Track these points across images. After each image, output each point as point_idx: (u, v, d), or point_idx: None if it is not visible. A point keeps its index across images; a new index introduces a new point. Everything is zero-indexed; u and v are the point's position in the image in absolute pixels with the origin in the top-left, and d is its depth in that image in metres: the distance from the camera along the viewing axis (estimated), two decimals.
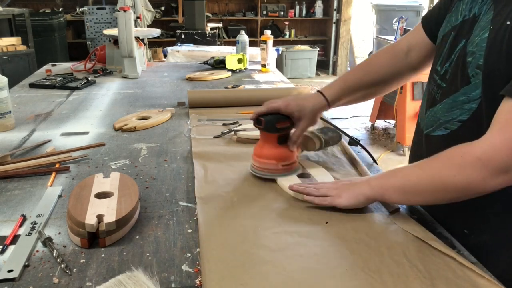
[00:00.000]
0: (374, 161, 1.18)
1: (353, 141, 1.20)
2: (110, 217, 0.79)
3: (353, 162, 1.17)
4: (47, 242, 0.77)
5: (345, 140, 1.27)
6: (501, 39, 0.75)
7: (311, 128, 1.09)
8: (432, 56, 0.99)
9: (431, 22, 1.00)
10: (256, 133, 1.29)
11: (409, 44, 1.06)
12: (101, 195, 0.89)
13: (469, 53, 0.82)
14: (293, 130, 1.05)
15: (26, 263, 0.73)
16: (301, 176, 1.04)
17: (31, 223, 0.84)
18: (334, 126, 1.23)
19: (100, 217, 0.79)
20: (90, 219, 0.78)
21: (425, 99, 0.98)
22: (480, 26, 0.81)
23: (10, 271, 0.70)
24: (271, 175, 1.04)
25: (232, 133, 1.31)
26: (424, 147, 0.95)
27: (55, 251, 0.75)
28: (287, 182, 0.99)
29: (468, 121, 0.83)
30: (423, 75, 1.06)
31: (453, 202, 0.79)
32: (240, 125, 1.42)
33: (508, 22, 0.74)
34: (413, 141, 1.04)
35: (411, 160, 1.03)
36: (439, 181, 0.77)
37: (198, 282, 0.69)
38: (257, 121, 1.03)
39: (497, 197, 0.79)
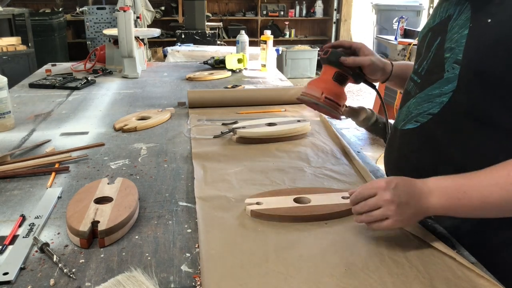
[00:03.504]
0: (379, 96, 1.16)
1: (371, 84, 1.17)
2: (103, 225, 0.79)
3: (352, 162, 1.17)
4: (44, 248, 0.77)
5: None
6: (480, 36, 0.78)
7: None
8: None
9: None
10: (256, 130, 1.29)
11: None
12: (100, 201, 0.89)
13: (447, 49, 0.85)
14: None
15: (22, 266, 0.72)
16: (297, 201, 0.92)
17: (29, 225, 0.84)
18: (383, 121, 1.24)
19: (95, 224, 0.80)
20: (85, 226, 0.79)
21: (402, 98, 1.01)
22: (459, 24, 0.84)
23: (5, 273, 0.70)
24: (312, 100, 1.04)
25: (232, 133, 1.31)
26: (397, 141, 0.97)
27: (54, 256, 0.74)
28: (281, 203, 0.91)
29: (438, 114, 0.85)
30: None
31: None
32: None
33: (489, 20, 0.77)
34: (388, 138, 1.06)
35: (385, 156, 1.04)
36: (506, 200, 0.70)
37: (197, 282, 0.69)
38: (325, 51, 1.04)
39: None
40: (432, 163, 0.88)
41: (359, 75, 1.07)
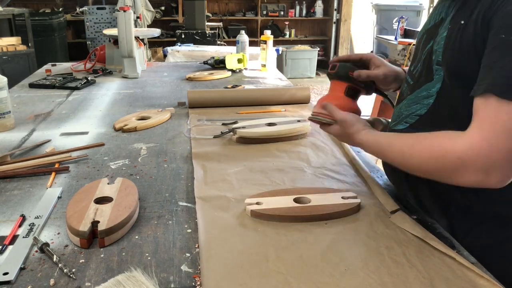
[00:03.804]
0: (392, 105, 1.16)
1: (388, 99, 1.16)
2: (103, 225, 0.79)
3: (352, 162, 1.17)
4: (44, 248, 0.77)
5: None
6: (455, 37, 0.80)
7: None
8: None
9: None
10: (256, 130, 1.29)
11: None
12: (100, 201, 0.89)
13: (434, 52, 0.86)
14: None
15: (22, 266, 0.72)
16: (297, 200, 0.92)
17: (29, 225, 0.83)
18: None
19: (94, 224, 0.80)
20: (84, 226, 0.79)
21: (398, 98, 1.02)
22: (444, 26, 0.85)
23: (5, 273, 0.70)
24: (326, 121, 0.98)
25: (232, 133, 1.31)
26: None
27: (54, 256, 0.74)
28: (281, 203, 0.90)
29: (425, 115, 0.88)
30: None
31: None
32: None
33: (462, 22, 0.79)
34: None
35: None
36: (420, 170, 0.80)
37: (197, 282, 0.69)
38: (333, 66, 0.99)
39: (495, 198, 0.80)
40: None
41: (371, 86, 1.03)
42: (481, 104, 0.72)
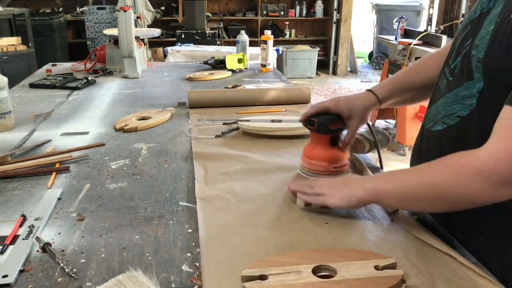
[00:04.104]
0: (381, 166, 1.17)
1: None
2: None
3: (353, 162, 1.17)
4: (46, 247, 0.77)
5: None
6: (503, 32, 0.73)
7: (360, 129, 1.07)
8: None
9: None
10: (260, 125, 1.29)
11: None
12: None
13: (474, 46, 0.79)
14: (344, 132, 1.02)
15: (22, 268, 0.72)
16: (317, 271, 0.72)
17: (29, 227, 0.83)
18: (376, 129, 1.21)
19: None
20: None
21: (432, 94, 0.95)
22: (489, 19, 0.78)
23: (5, 276, 0.69)
24: (321, 176, 0.99)
25: (233, 132, 1.31)
26: (424, 142, 0.93)
27: (56, 255, 0.74)
28: (295, 278, 0.68)
29: (467, 117, 0.80)
30: None
31: (454, 211, 0.77)
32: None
33: None
34: (416, 137, 1.03)
35: (412, 156, 1.01)
36: (439, 190, 0.74)
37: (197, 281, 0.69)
38: (309, 122, 0.99)
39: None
40: None
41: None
42: (509, 114, 0.67)
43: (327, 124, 0.98)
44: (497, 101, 0.72)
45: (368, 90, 1.07)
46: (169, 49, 3.86)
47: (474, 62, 0.78)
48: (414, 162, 0.97)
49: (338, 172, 1.01)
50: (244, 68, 2.37)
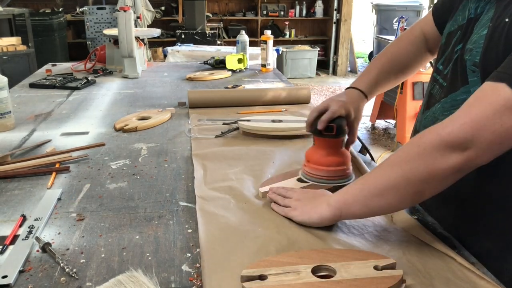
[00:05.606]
0: (373, 159, 1.18)
1: (364, 150, 1.19)
2: None
3: (352, 160, 1.17)
4: (46, 247, 0.77)
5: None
6: (498, 36, 0.74)
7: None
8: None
9: (443, 17, 0.98)
10: (260, 125, 1.29)
11: (423, 32, 1.06)
12: None
13: (467, 51, 0.81)
14: None
15: (22, 268, 0.72)
16: (316, 272, 0.70)
17: (29, 227, 0.83)
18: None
19: None
20: None
21: (425, 100, 0.97)
22: (480, 24, 0.80)
23: (4, 276, 0.69)
24: (343, 181, 0.98)
25: (233, 132, 1.31)
26: None
27: (56, 255, 0.74)
28: (294, 278, 0.68)
29: None
30: (424, 75, 1.06)
31: (417, 200, 0.77)
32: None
33: (507, 20, 0.74)
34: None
35: None
36: (400, 174, 0.73)
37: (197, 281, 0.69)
38: (328, 128, 0.96)
39: (500, 203, 0.79)
40: None
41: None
42: (484, 86, 0.69)
43: (343, 127, 0.99)
44: None
45: (351, 87, 1.08)
46: (169, 49, 3.86)
47: (469, 66, 0.79)
48: None
49: (350, 173, 1.01)
50: (244, 68, 2.37)
